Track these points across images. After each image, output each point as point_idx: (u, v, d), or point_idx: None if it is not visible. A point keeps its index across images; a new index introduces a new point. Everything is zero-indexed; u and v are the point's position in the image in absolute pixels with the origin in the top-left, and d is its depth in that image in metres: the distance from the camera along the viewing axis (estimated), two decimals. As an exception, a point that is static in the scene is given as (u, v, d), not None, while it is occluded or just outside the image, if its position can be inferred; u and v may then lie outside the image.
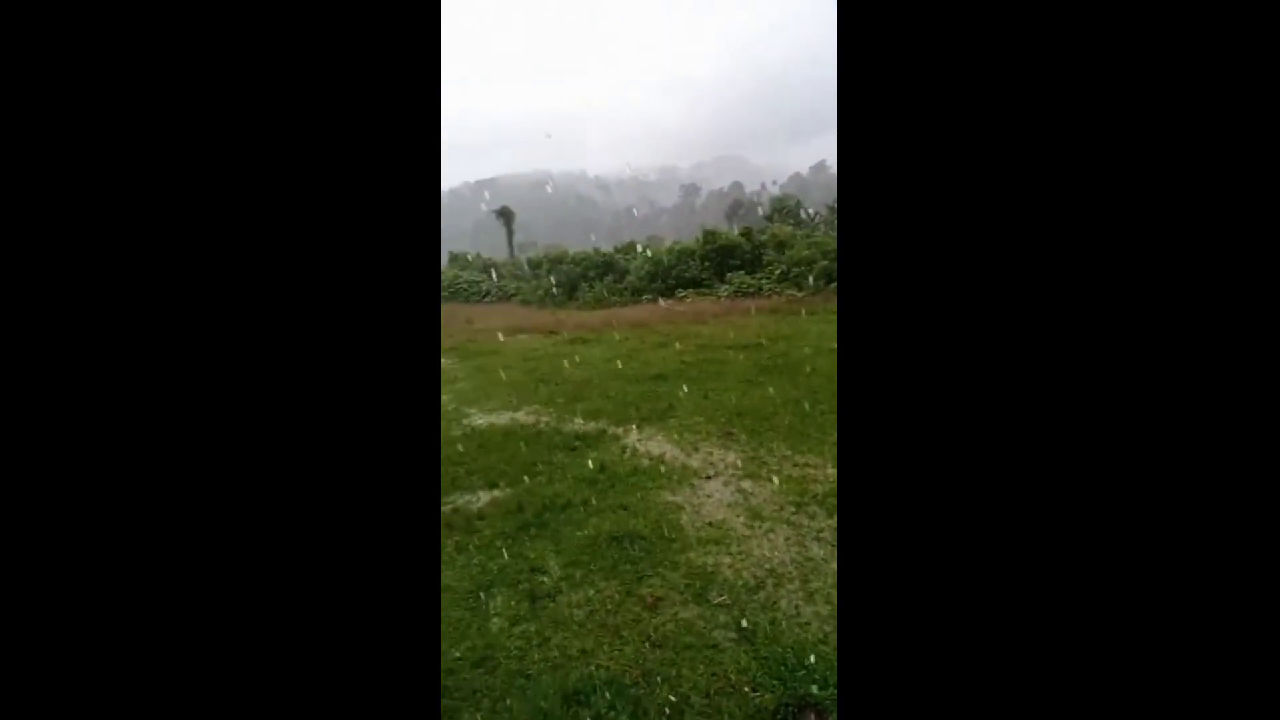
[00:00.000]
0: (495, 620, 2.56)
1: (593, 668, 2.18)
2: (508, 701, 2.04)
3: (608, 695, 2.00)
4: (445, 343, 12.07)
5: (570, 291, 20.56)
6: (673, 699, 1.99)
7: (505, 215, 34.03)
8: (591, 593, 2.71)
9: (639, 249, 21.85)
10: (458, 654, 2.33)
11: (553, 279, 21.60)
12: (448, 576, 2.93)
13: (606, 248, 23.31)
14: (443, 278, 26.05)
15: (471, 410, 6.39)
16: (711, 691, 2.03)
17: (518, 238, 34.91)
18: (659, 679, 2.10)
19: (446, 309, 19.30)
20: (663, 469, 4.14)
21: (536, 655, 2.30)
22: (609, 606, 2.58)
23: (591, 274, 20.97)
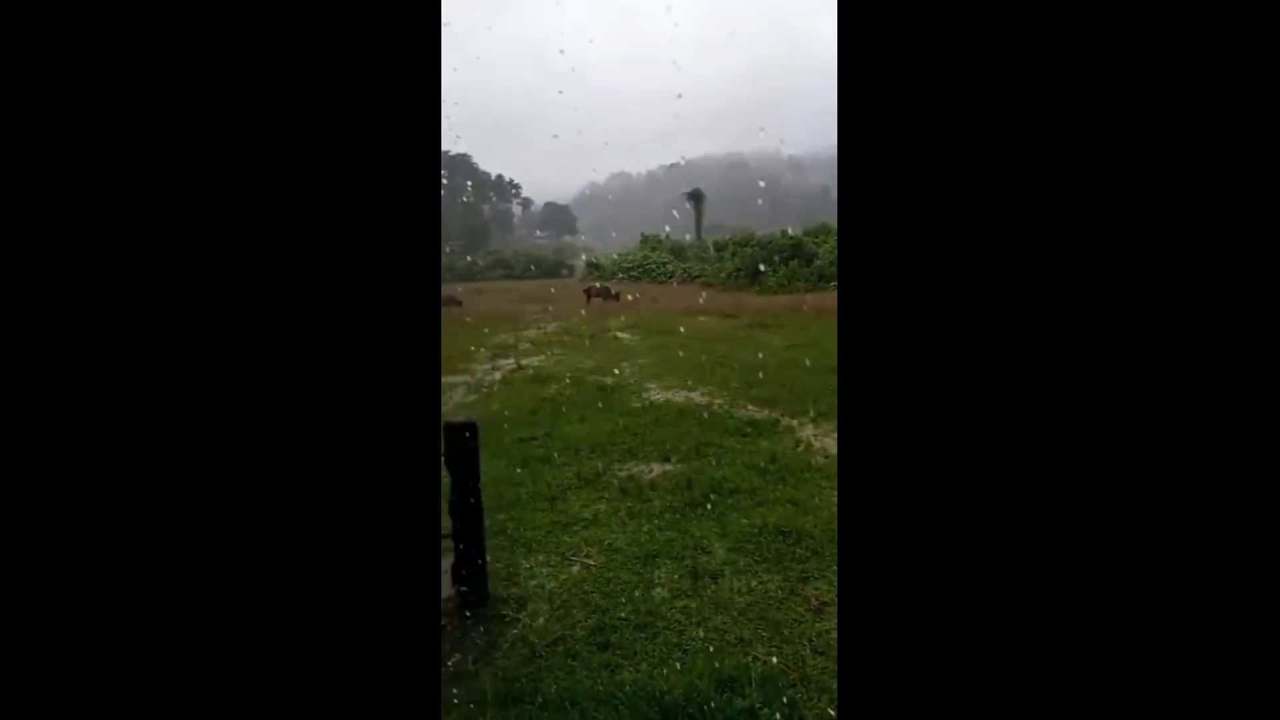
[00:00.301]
0: (658, 590, 2.67)
1: (750, 658, 2.17)
2: (664, 670, 2.13)
3: (763, 689, 1.97)
4: (632, 319, 12.77)
5: (754, 275, 20.18)
6: (832, 712, 1.89)
7: (695, 198, 34.52)
8: (754, 583, 2.68)
9: (830, 233, 20.51)
10: (622, 614, 2.49)
11: (735, 261, 21.38)
12: (619, 538, 3.14)
13: (796, 230, 22.32)
14: (633, 259, 27.42)
15: (650, 385, 6.70)
16: (877, 716, 1.88)
17: (708, 220, 35.21)
18: (818, 687, 2.01)
19: (635, 288, 20.32)
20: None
21: (697, 632, 2.36)
22: (771, 601, 2.53)
23: (776, 257, 20.29)
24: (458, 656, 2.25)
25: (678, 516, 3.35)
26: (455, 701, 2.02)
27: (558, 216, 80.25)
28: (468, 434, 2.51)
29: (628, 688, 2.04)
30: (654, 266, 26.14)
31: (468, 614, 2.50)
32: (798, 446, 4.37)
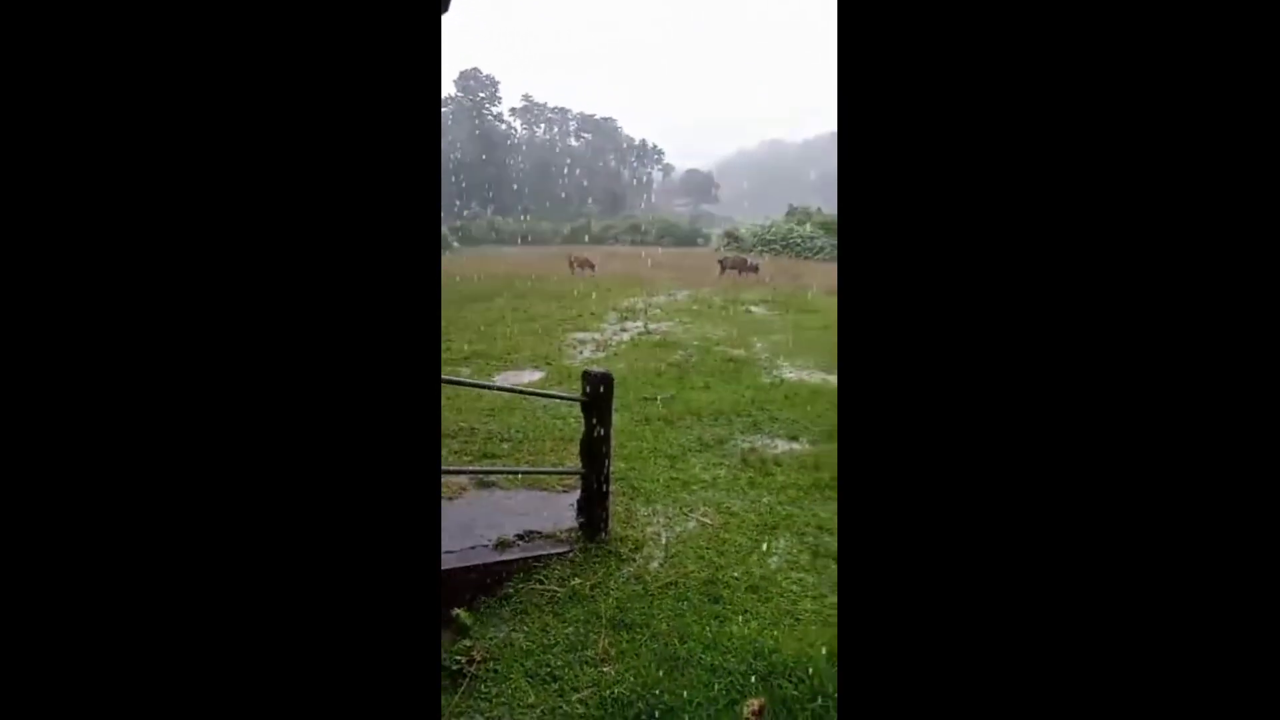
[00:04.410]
0: (774, 559, 2.67)
1: (865, 642, 2.10)
2: (775, 632, 2.14)
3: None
4: (767, 294, 12.40)
5: (910, 258, 18.44)
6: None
7: (852, 170, 31.99)
8: (877, 571, 2.57)
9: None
10: (735, 574, 2.53)
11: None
12: (738, 504, 3.16)
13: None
14: (776, 232, 26.41)
15: (782, 363, 6.52)
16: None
17: (862, 195, 32.51)
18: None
19: (775, 263, 19.63)
20: (990, 473, 3.53)
21: (809, 605, 2.33)
22: (894, 592, 2.41)
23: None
24: (577, 580, 2.44)
25: (801, 494, 3.29)
26: (573, 618, 2.21)
27: (698, 183, 79.35)
28: (603, 386, 2.66)
29: (736, 639, 2.08)
30: (799, 241, 24.93)
31: (589, 545, 2.69)
32: (941, 443, 4.03)
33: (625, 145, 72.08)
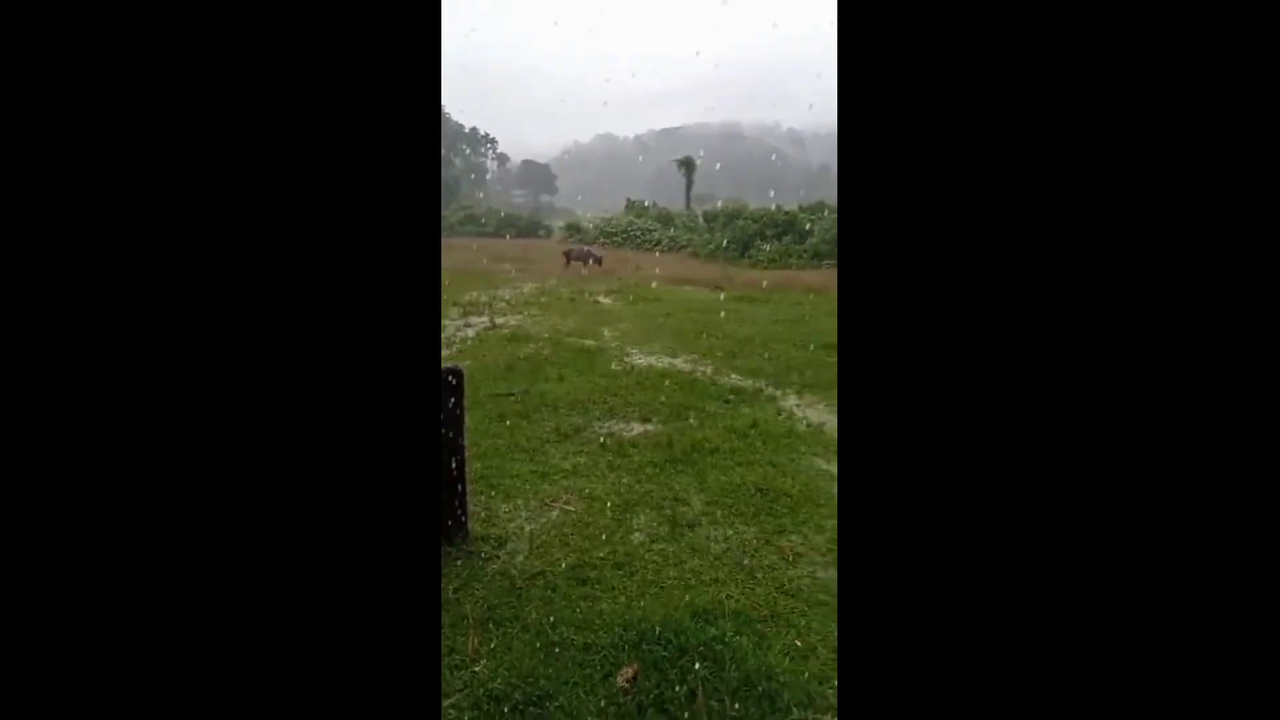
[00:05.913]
0: (636, 535, 2.77)
1: (724, 596, 2.29)
2: (641, 603, 2.24)
3: (735, 622, 2.09)
4: (613, 285, 12.71)
5: (743, 249, 20.16)
6: (799, 644, 2.03)
7: (686, 165, 33.98)
8: (730, 533, 2.80)
9: (826, 211, 20.55)
10: (601, 554, 2.59)
11: (725, 234, 21.33)
12: (598, 488, 3.22)
13: (792, 206, 22.26)
14: (617, 224, 27.06)
15: (632, 350, 6.74)
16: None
17: (697, 189, 34.62)
18: (786, 623, 2.14)
19: (617, 254, 20.12)
20: (821, 437, 4.03)
21: (672, 573, 2.47)
22: (746, 549, 2.66)
23: (769, 232, 20.27)
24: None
25: (657, 471, 3.45)
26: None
27: (536, 175, 78.10)
28: (453, 380, 2.53)
29: (606, 615, 2.14)
30: (639, 233, 25.76)
31: (448, 549, 2.56)
32: (780, 415, 4.49)
33: (455, 132, 68.19)
